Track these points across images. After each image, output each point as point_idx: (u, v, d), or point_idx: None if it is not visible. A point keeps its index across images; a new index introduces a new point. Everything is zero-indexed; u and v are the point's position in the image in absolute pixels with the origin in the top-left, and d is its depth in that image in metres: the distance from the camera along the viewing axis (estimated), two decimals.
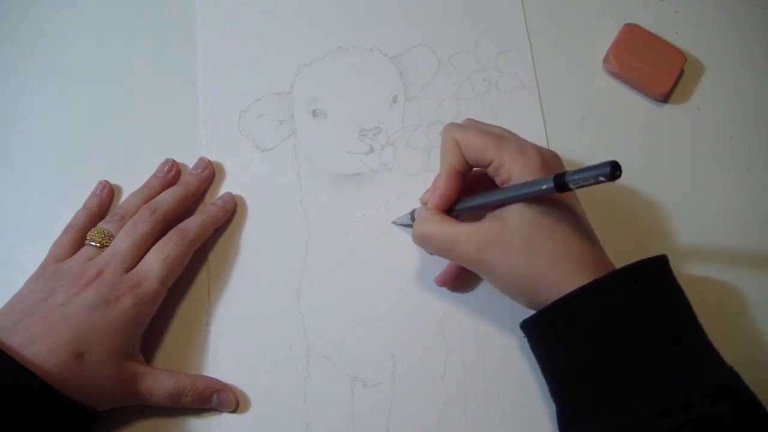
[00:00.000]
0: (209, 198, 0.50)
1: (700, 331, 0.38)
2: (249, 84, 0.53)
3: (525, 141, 0.42)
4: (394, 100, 0.52)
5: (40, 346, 0.39)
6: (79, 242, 0.46)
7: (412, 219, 0.47)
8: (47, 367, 0.39)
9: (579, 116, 0.52)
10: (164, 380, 0.43)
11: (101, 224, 0.47)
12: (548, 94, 0.53)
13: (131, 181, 0.50)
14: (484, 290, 0.47)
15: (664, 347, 0.36)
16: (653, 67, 0.52)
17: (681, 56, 0.52)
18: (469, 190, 0.43)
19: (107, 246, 0.45)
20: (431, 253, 0.43)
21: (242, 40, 0.54)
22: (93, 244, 0.45)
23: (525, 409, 0.44)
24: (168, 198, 0.47)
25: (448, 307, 0.47)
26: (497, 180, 0.42)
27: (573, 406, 0.38)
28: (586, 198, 0.43)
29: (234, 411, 0.44)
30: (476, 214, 0.43)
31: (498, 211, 0.41)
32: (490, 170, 0.42)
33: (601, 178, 0.34)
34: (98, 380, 0.40)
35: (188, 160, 0.51)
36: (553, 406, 0.40)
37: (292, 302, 0.47)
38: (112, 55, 0.54)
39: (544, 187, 0.37)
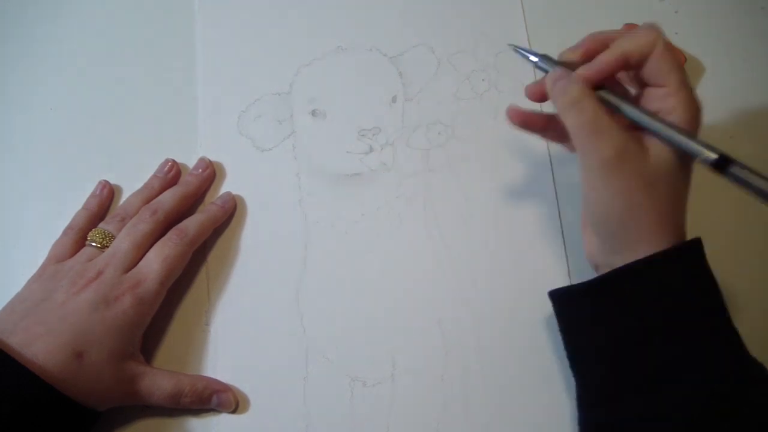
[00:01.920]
0: (209, 198, 0.50)
1: (730, 324, 0.37)
2: (248, 84, 0.53)
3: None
4: (394, 100, 0.52)
5: (40, 347, 0.39)
6: (80, 243, 0.46)
7: (537, 65, 0.42)
8: (47, 368, 0.39)
9: None
10: (163, 381, 0.43)
11: (102, 225, 0.47)
12: None
13: (131, 181, 0.50)
14: (485, 290, 0.47)
15: (702, 335, 0.36)
16: None
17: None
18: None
19: (108, 246, 0.45)
20: (565, 120, 0.39)
21: (242, 40, 0.54)
22: (94, 244, 0.45)
23: (525, 409, 0.44)
24: (168, 198, 0.47)
25: (448, 307, 0.47)
26: (650, 98, 0.38)
27: (604, 383, 0.37)
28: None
29: (234, 411, 0.44)
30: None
31: (645, 136, 0.38)
32: (658, 91, 0.38)
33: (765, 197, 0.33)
34: (98, 380, 0.40)
35: (188, 160, 0.51)
36: (553, 405, 0.40)
37: (292, 302, 0.47)
38: (112, 55, 0.54)
39: (705, 155, 0.36)
